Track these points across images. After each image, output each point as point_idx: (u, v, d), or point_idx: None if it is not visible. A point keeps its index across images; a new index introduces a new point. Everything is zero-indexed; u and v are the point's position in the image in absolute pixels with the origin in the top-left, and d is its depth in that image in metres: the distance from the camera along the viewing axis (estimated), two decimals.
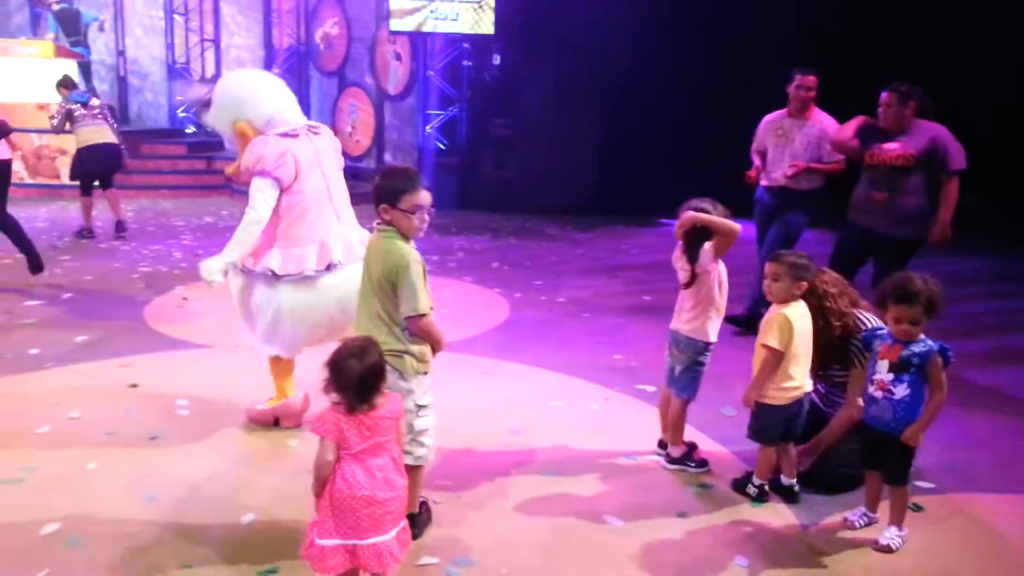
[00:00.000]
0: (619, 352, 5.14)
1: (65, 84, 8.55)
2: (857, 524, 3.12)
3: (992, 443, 3.98)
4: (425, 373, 2.83)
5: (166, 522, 2.96)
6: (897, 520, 3.02)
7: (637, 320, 5.86)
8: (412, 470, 2.77)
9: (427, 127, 11.48)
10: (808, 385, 3.27)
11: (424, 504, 3.01)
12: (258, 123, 3.67)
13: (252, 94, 3.72)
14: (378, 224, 2.79)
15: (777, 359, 3.16)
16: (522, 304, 6.32)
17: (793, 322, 3.15)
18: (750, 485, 3.32)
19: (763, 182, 5.55)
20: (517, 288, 6.80)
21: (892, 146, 4.64)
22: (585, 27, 10.14)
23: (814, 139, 5.30)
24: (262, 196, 3.55)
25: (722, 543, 2.99)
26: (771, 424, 3.25)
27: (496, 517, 3.12)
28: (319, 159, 3.71)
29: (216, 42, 13.50)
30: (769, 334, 3.16)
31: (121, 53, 13.64)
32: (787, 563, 2.87)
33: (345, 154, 14.46)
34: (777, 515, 3.20)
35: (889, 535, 2.99)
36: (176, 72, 13.48)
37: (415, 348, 2.77)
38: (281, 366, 3.81)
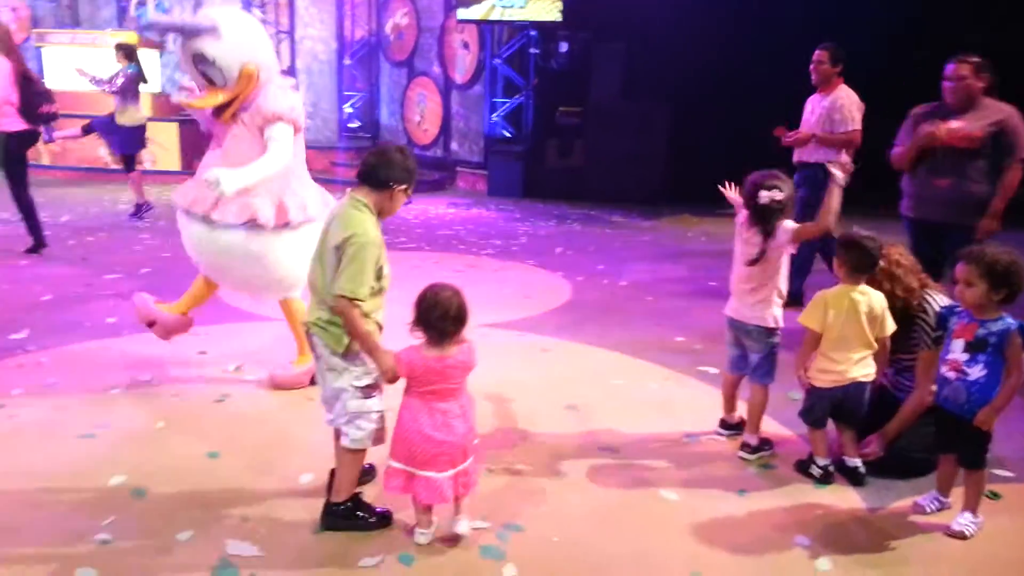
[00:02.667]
0: (681, 335, 5.05)
1: (128, 52, 8.19)
2: (928, 509, 2.98)
3: None
4: (356, 351, 2.65)
5: (227, 477, 3.04)
6: (972, 506, 2.88)
7: (700, 304, 5.74)
8: (345, 453, 2.70)
9: (493, 115, 11.50)
10: (855, 372, 3.11)
11: (367, 507, 2.75)
12: (263, 71, 3.64)
13: (265, 42, 3.75)
14: (354, 193, 2.66)
15: (813, 339, 3.13)
16: (584, 287, 6.27)
17: (829, 302, 3.07)
18: (813, 466, 3.21)
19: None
20: (579, 272, 6.75)
21: (957, 124, 4.17)
22: (654, 12, 9.98)
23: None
24: (289, 143, 3.64)
25: (782, 523, 2.90)
26: (815, 405, 3.18)
27: (549, 487, 3.09)
28: None
29: (291, 34, 13.79)
30: (805, 313, 3.14)
31: None
32: (851, 546, 2.76)
33: (412, 142, 14.62)
34: (842, 497, 3.09)
35: (963, 521, 2.85)
36: None
37: (340, 320, 2.61)
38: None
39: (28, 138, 6.34)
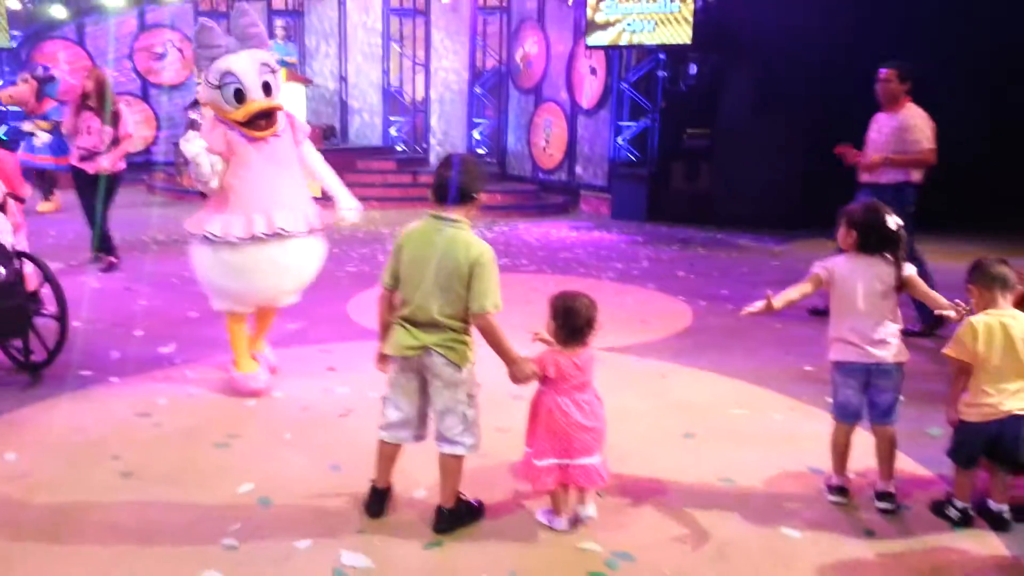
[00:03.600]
0: (809, 364, 4.82)
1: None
2: None
3: None
4: (473, 364, 2.84)
5: (348, 490, 3.14)
6: None
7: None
8: (456, 462, 2.85)
9: (618, 138, 11.48)
10: (1011, 404, 2.85)
11: (468, 503, 2.93)
12: None
13: None
14: (445, 214, 2.75)
15: (960, 370, 2.90)
16: (706, 312, 6.12)
17: (978, 329, 2.84)
18: (951, 507, 2.98)
19: None
20: (702, 296, 6.59)
21: None
22: (784, 34, 9.70)
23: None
24: None
25: (915, 567, 2.70)
26: (966, 442, 2.94)
27: (662, 517, 3.02)
28: None
29: (426, 66, 14.34)
30: (954, 343, 2.91)
31: (343, 78, 14.85)
32: None
33: (538, 167, 14.82)
34: (983, 543, 2.85)
35: None
36: (390, 95, 14.48)
37: (470, 339, 2.81)
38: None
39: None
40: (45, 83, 10.25)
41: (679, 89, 11.11)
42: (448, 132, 14.38)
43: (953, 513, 2.97)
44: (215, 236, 3.90)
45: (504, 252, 8.65)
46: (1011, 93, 9.42)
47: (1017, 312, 2.89)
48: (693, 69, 10.86)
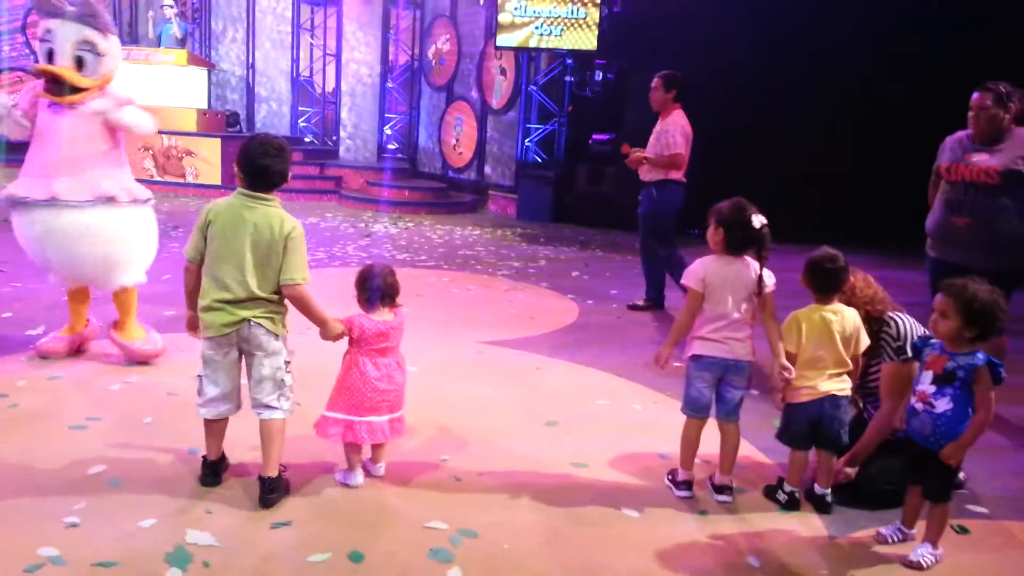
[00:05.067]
0: (680, 360, 5.02)
1: None
2: (890, 539, 2.94)
3: None
4: (287, 332, 3.01)
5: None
6: (933, 538, 2.84)
7: None
8: (278, 426, 2.97)
9: (526, 140, 11.65)
10: (828, 386, 3.08)
11: (284, 472, 3.04)
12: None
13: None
14: (257, 192, 2.88)
15: (789, 359, 3.11)
16: (592, 310, 6.31)
17: (801, 323, 3.09)
18: (780, 492, 3.19)
19: None
20: (592, 295, 6.79)
21: (979, 158, 3.95)
22: (687, 43, 10.04)
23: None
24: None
25: (739, 546, 2.89)
26: (792, 422, 3.15)
27: (512, 498, 3.13)
28: None
29: (337, 56, 14.20)
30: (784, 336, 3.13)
31: (251, 66, 14.56)
32: (804, 571, 2.74)
33: (448, 165, 14.90)
34: (806, 524, 3.07)
35: (921, 551, 2.81)
36: (300, 84, 14.28)
37: (284, 309, 2.97)
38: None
39: None
40: None
41: (585, 94, 11.35)
42: (359, 125, 14.29)
43: (781, 496, 3.18)
44: (10, 196, 4.10)
45: (406, 248, 8.68)
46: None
47: (839, 307, 3.11)
48: (599, 75, 11.10)
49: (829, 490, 3.17)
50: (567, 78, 11.38)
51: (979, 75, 4.20)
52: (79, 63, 4.10)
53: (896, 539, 2.94)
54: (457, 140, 12.98)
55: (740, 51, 9.66)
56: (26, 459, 3.18)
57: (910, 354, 3.08)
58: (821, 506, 3.15)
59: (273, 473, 2.94)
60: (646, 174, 6.27)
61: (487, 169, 12.61)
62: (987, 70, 4.44)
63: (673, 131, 6.13)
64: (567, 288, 7.05)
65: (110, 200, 4.15)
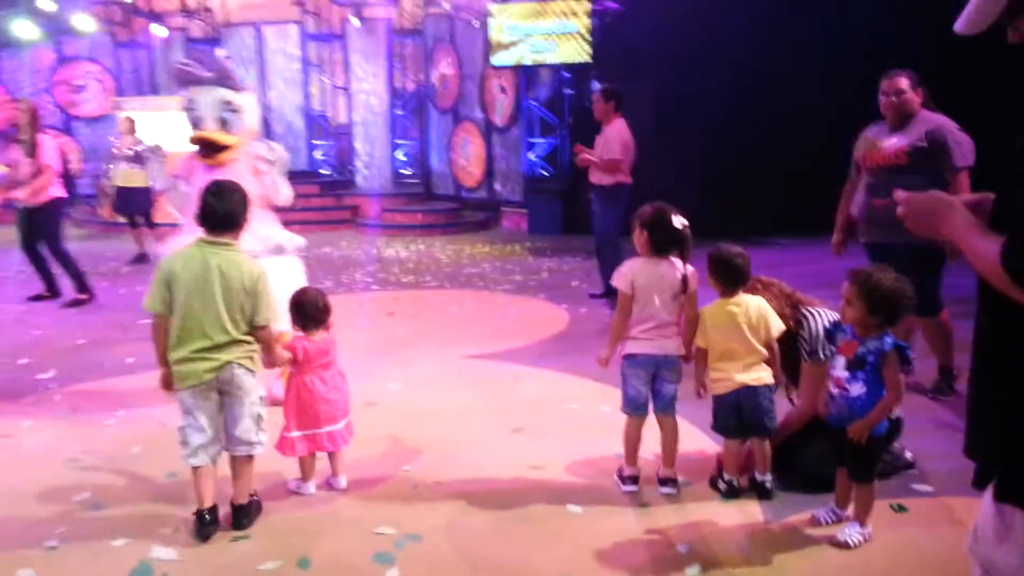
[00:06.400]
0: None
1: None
2: (823, 521, 3.04)
3: None
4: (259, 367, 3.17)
5: (177, 494, 3.36)
6: (861, 517, 2.93)
7: None
8: (250, 459, 3.11)
9: (530, 154, 11.85)
10: (743, 377, 3.20)
11: (254, 496, 3.19)
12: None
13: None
14: (219, 239, 3.00)
15: (702, 355, 3.27)
16: (584, 319, 6.45)
17: (706, 318, 3.24)
18: (720, 481, 3.31)
19: None
20: (585, 304, 6.93)
21: (890, 143, 4.19)
22: (679, 51, 10.18)
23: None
24: None
25: (670, 534, 3.01)
26: (719, 413, 3.27)
27: (463, 502, 3.29)
28: None
29: (347, 89, 14.61)
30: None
31: (266, 105, 15.04)
32: (730, 555, 2.86)
33: (460, 185, 15.19)
34: (744, 511, 3.18)
35: (849, 531, 2.90)
36: (313, 119, 14.72)
37: (258, 347, 3.10)
38: None
39: (67, 204, 7.22)
40: None
41: (585, 105, 11.51)
42: (372, 154, 14.64)
43: (722, 486, 3.30)
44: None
45: (413, 270, 8.93)
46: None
47: (742, 298, 3.22)
48: (595, 86, 11.26)
49: (769, 476, 3.27)
50: (566, 91, 11.57)
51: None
52: (223, 123, 4.38)
53: (830, 520, 3.03)
54: (467, 160, 13.25)
55: (736, 53, 9.76)
56: (20, 492, 3.45)
57: (822, 356, 3.17)
58: (762, 492, 3.26)
59: (245, 501, 3.10)
60: (603, 179, 6.94)
61: (497, 186, 12.84)
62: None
63: (615, 138, 6.86)
64: (563, 298, 7.21)
65: (279, 248, 4.43)
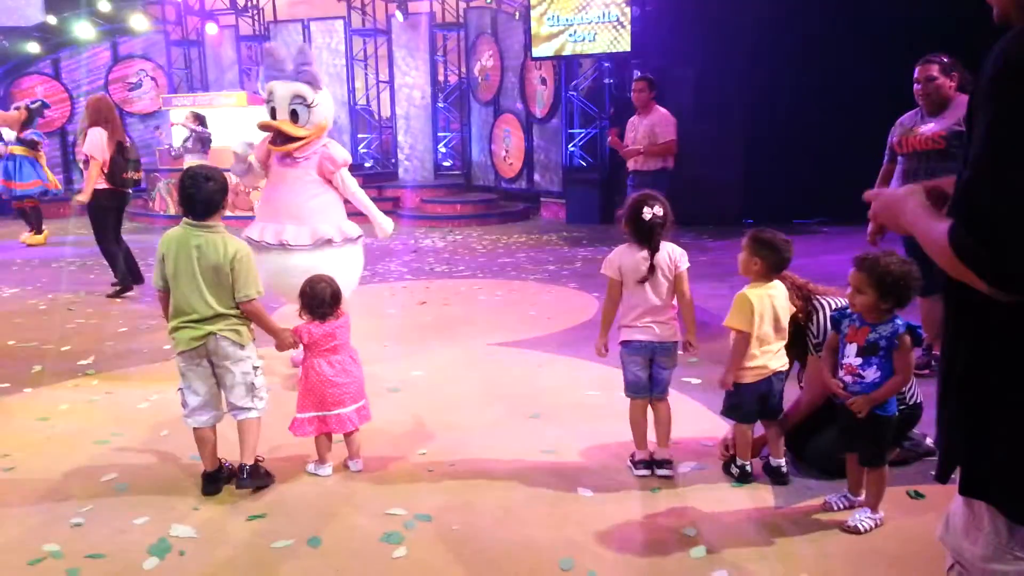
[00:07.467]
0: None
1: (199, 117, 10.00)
2: (835, 506, 2.99)
3: None
4: (253, 340, 3.32)
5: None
6: (872, 503, 2.88)
7: (718, 321, 5.74)
8: (253, 423, 3.31)
9: (570, 145, 11.82)
10: (775, 364, 3.17)
11: (260, 463, 3.34)
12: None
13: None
14: (203, 221, 3.19)
15: (744, 340, 3.15)
16: None
17: (754, 301, 3.12)
18: (732, 465, 3.27)
19: None
20: None
21: (927, 128, 4.13)
22: (721, 39, 10.05)
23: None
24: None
25: (679, 517, 3.00)
26: (743, 401, 3.21)
27: (474, 485, 3.32)
28: None
29: (391, 83, 14.77)
30: (732, 315, 3.17)
31: None
32: (737, 537, 2.83)
33: (500, 176, 15.28)
34: (755, 496, 3.14)
35: (859, 516, 2.85)
36: (357, 113, 14.91)
37: (247, 322, 3.28)
38: None
39: (113, 197, 7.13)
40: (35, 113, 10.46)
41: (626, 95, 11.42)
42: (415, 146, 14.79)
43: (734, 470, 3.27)
44: (248, 238, 4.59)
45: (447, 260, 9.00)
46: None
47: (776, 283, 3.19)
48: (636, 75, 11.16)
49: (783, 460, 3.23)
50: (606, 81, 11.50)
51: None
52: (294, 115, 4.57)
53: (842, 506, 2.98)
54: (507, 151, 13.28)
55: (775, 41, 9.59)
56: (52, 472, 3.60)
57: None
58: (778, 477, 3.22)
59: (249, 461, 3.28)
60: (645, 164, 7.17)
61: (536, 177, 12.84)
62: None
63: (667, 123, 7.16)
64: (595, 287, 7.16)
65: (328, 242, 4.64)
